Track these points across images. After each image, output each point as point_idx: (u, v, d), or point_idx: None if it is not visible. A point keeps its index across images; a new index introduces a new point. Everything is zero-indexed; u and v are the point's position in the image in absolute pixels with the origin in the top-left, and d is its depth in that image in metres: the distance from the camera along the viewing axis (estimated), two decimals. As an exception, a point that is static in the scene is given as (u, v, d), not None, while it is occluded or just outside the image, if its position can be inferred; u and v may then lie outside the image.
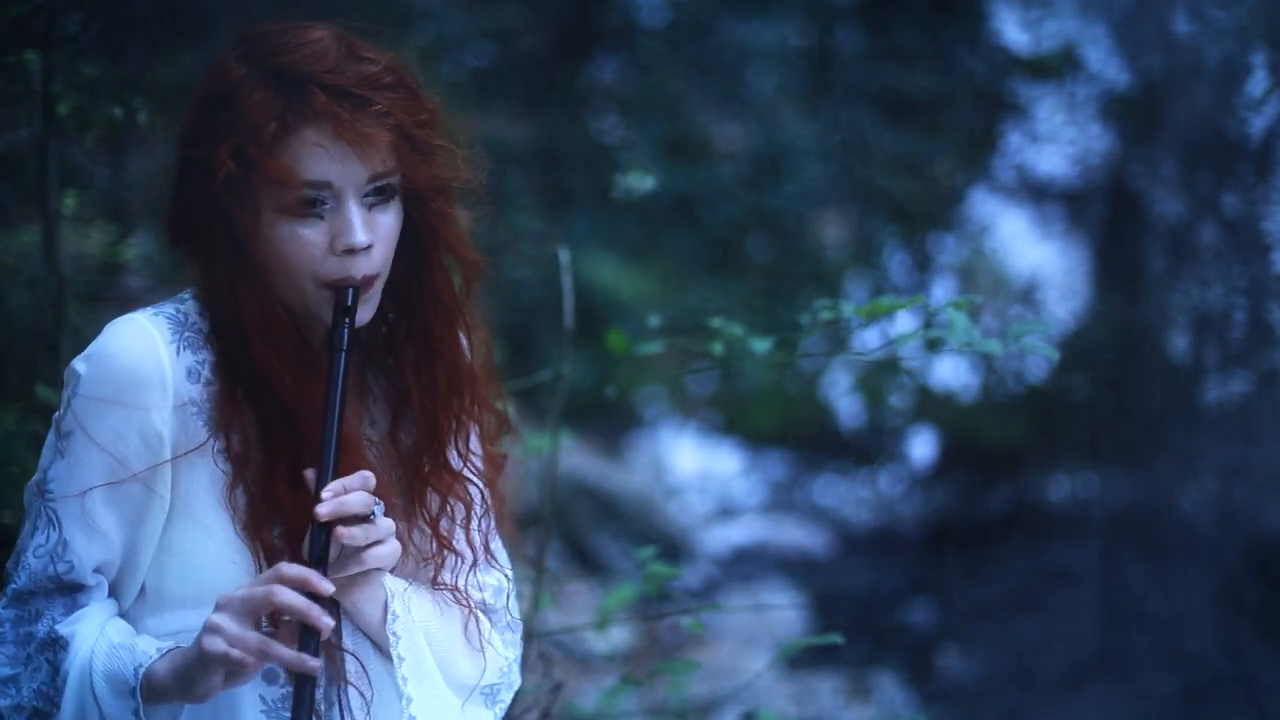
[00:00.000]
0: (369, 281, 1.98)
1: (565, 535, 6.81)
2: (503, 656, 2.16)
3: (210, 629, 1.84)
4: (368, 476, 1.92)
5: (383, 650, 2.04)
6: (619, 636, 5.34)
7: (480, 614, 2.14)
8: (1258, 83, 6.08)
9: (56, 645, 1.92)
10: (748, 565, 7.81)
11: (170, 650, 1.89)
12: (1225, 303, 6.31)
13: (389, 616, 2.01)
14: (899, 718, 5.53)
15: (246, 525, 1.97)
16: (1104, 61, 8.29)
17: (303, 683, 1.87)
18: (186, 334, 1.99)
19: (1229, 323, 6.30)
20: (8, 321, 3.26)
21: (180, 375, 1.97)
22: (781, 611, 5.99)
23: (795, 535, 8.34)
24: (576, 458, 7.02)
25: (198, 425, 1.97)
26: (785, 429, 9.40)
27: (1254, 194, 6.16)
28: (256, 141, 1.93)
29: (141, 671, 1.88)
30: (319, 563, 1.89)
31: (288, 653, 1.86)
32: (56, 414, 1.99)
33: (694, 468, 9.29)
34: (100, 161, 3.43)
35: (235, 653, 1.83)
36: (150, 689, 1.88)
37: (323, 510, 1.88)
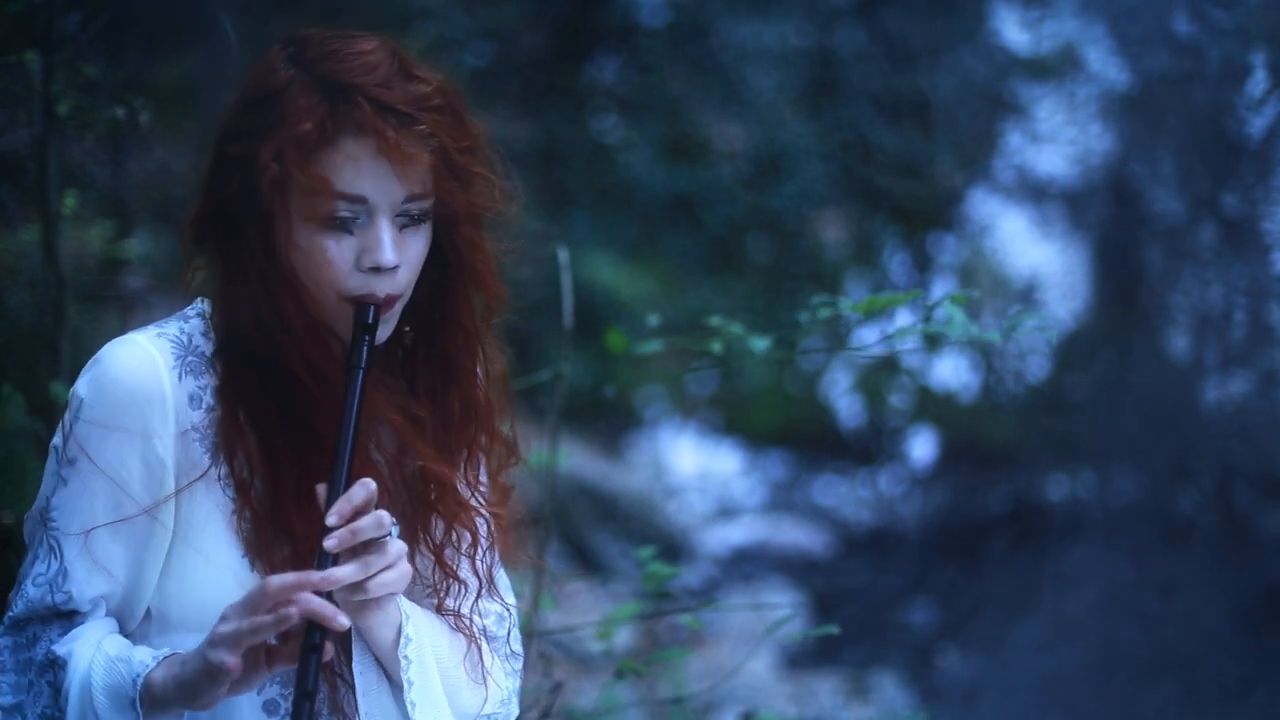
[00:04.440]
0: (391, 301, 1.95)
1: (565, 535, 6.80)
2: (502, 687, 2.13)
3: (214, 641, 1.81)
4: (369, 485, 1.87)
5: (387, 677, 2.00)
6: (619, 636, 5.34)
7: (483, 642, 2.10)
8: (1258, 83, 6.07)
9: (55, 666, 1.89)
10: (748, 565, 7.81)
11: (167, 657, 1.87)
12: (1225, 303, 6.31)
13: (402, 639, 1.97)
14: (899, 718, 5.53)
15: (253, 549, 1.93)
16: (1104, 61, 8.28)
17: (301, 702, 1.82)
18: (189, 359, 1.96)
19: (1229, 323, 6.30)
20: (8, 321, 3.25)
21: (182, 401, 1.94)
22: (781, 611, 5.99)
23: (795, 535, 8.34)
24: (576, 458, 7.02)
25: (199, 453, 1.94)
26: (785, 429, 9.39)
27: (1254, 194, 6.16)
28: (296, 146, 1.89)
29: (140, 682, 1.86)
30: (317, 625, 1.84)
31: (317, 604, 1.79)
32: (55, 440, 1.95)
33: (694, 468, 9.29)
34: (100, 161, 3.43)
35: (233, 660, 1.80)
36: (150, 698, 1.86)
37: (330, 544, 1.84)
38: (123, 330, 2.01)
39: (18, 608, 1.93)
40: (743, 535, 8.36)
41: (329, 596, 1.84)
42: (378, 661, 2.00)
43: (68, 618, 1.92)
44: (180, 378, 1.94)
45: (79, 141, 3.11)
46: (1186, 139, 6.31)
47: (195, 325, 1.99)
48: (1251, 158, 6.10)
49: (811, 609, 6.69)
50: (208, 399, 1.95)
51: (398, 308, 1.98)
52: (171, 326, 1.99)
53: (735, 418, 9.52)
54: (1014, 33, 9.09)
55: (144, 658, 1.88)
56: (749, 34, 8.83)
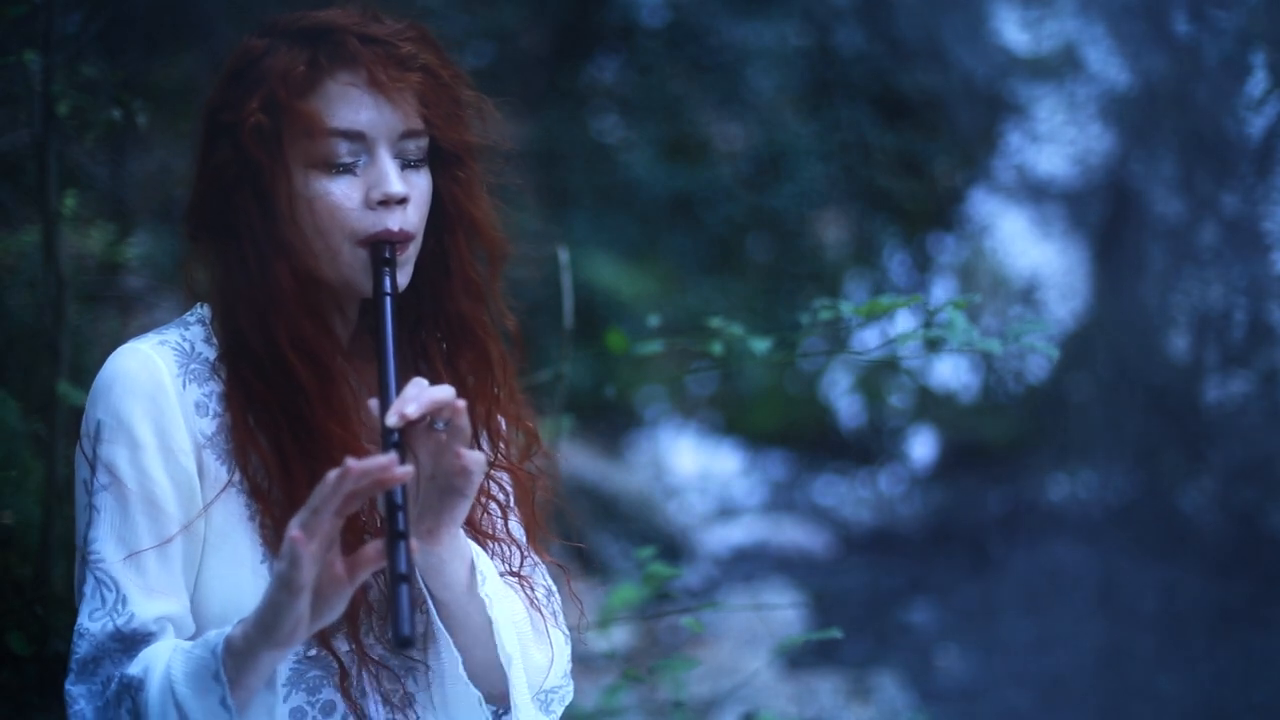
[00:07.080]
0: (405, 238, 1.95)
1: (565, 535, 6.79)
2: (565, 653, 2.09)
3: (281, 555, 1.73)
4: (421, 381, 1.84)
5: (457, 633, 1.95)
6: (619, 637, 5.34)
7: (540, 604, 2.08)
8: (1258, 83, 6.08)
9: (130, 689, 1.82)
10: (748, 565, 7.81)
11: (245, 618, 1.79)
12: (1225, 303, 6.32)
13: (478, 577, 1.94)
14: (899, 718, 5.53)
15: (275, 553, 1.89)
16: (1104, 61, 8.28)
17: (397, 586, 1.73)
18: (192, 366, 1.94)
19: (1229, 323, 6.31)
20: (8, 321, 3.25)
21: (190, 410, 1.92)
22: (781, 611, 5.99)
23: (795, 535, 8.33)
24: (576, 458, 7.01)
25: (214, 463, 1.92)
26: (785, 429, 9.40)
27: (1254, 194, 6.16)
28: (286, 87, 1.91)
29: (220, 649, 1.78)
30: (399, 508, 1.77)
31: (371, 462, 1.71)
32: (81, 473, 1.91)
33: (694, 468, 9.29)
34: (100, 161, 3.43)
35: (300, 534, 1.70)
36: (233, 655, 1.77)
37: (391, 420, 1.80)
38: (123, 330, 2.00)
39: (82, 648, 1.86)
40: (743, 535, 8.35)
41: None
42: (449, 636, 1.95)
43: (135, 645, 1.86)
44: (185, 385, 1.92)
45: (79, 141, 3.11)
46: (1186, 139, 6.32)
47: (196, 332, 1.97)
48: (1251, 158, 6.11)
49: (811, 609, 6.69)
50: (214, 405, 1.94)
51: (411, 252, 1.97)
52: (172, 333, 1.97)
53: (735, 418, 9.52)
54: (1014, 33, 9.09)
55: (222, 629, 1.82)
56: (749, 34, 8.83)
